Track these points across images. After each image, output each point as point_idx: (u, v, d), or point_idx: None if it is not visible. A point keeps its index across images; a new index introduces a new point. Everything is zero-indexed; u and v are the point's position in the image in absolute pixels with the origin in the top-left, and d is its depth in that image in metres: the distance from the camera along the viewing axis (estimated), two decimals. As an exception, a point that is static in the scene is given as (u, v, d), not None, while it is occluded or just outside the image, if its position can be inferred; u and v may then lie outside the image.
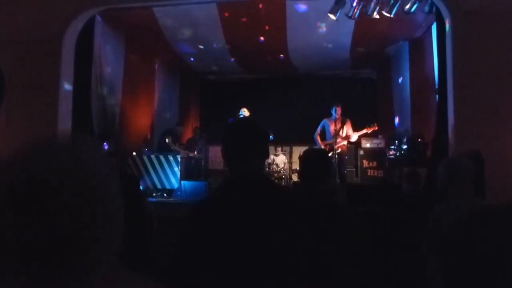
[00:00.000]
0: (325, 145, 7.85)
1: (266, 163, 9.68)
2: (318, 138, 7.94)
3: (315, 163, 2.53)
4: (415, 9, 6.36)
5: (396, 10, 6.37)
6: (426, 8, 6.42)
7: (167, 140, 8.70)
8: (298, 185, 3.81)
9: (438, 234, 2.44)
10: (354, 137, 7.93)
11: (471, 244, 0.93)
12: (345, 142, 7.91)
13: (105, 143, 7.07)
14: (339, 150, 7.78)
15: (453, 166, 2.63)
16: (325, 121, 8.00)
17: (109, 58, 8.12)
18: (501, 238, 0.77)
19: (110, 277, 0.80)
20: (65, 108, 6.50)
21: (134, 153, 8.24)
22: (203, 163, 9.49)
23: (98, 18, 7.26)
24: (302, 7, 7.36)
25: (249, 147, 1.74)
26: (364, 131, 7.96)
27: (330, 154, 7.68)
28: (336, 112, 7.78)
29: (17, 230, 0.71)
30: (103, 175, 0.79)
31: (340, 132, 7.82)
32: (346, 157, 8.09)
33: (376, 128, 8.00)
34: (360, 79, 11.15)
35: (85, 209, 0.74)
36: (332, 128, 7.85)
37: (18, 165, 0.76)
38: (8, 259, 0.73)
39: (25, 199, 0.72)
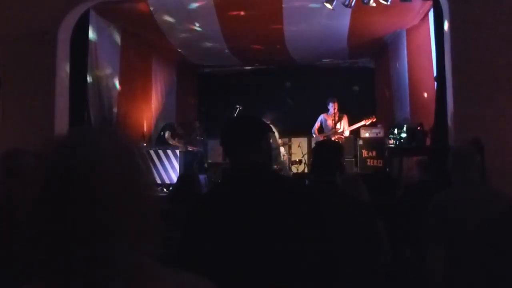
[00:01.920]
0: (323, 137, 7.90)
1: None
2: (316, 132, 8.03)
3: (328, 155, 2.51)
4: (412, -4, 6.31)
5: (393, -2, 6.31)
6: (423, -5, 6.37)
7: (166, 135, 8.68)
8: (311, 177, 3.79)
9: (446, 222, 2.46)
10: (346, 132, 8.01)
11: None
12: (342, 136, 8.00)
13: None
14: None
15: (459, 153, 2.68)
16: (322, 116, 8.12)
17: (105, 52, 8.05)
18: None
19: (144, 273, 0.78)
20: (62, 103, 6.46)
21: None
22: (201, 157, 9.47)
23: (93, 12, 7.20)
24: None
25: (248, 139, 1.74)
26: (363, 123, 8.00)
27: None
28: (332, 107, 7.91)
29: (53, 218, 0.72)
30: (140, 169, 0.80)
31: (338, 126, 7.89)
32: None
33: (375, 119, 8.03)
34: (358, 68, 11.11)
35: (122, 202, 0.75)
36: (329, 122, 7.95)
37: (58, 155, 0.76)
38: (42, 247, 0.73)
39: (63, 189, 0.72)
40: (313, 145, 8.08)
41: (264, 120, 1.93)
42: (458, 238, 2.43)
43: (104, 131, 0.82)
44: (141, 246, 0.77)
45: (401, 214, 3.52)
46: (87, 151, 0.75)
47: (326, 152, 2.55)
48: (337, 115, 7.91)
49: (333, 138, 7.84)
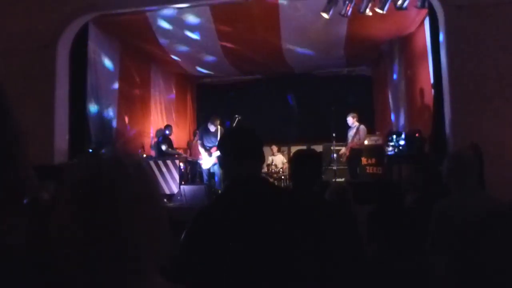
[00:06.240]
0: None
1: (264, 166, 9.70)
2: None
3: (305, 165, 2.49)
4: (407, 4, 6.37)
5: (388, 7, 6.38)
6: (419, 4, 6.43)
7: (163, 147, 8.70)
8: (290, 187, 3.78)
9: (449, 230, 2.43)
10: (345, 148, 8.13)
11: (492, 243, 0.94)
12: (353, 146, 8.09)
13: (102, 151, 7.05)
14: (341, 151, 8.16)
15: (458, 159, 2.62)
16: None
17: (104, 65, 8.11)
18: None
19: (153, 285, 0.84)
20: (61, 116, 6.49)
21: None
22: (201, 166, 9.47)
23: (92, 25, 7.26)
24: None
25: (245, 151, 1.77)
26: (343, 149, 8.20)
27: (341, 152, 8.12)
28: (351, 121, 8.06)
29: (78, 224, 0.78)
30: (154, 185, 0.90)
31: (354, 138, 8.03)
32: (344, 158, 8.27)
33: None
34: (356, 76, 11.17)
35: (141, 213, 0.82)
36: (349, 134, 8.13)
37: (85, 167, 0.85)
38: (68, 251, 0.79)
39: (88, 197, 0.79)
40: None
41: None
42: (460, 246, 2.40)
43: (121, 153, 0.91)
44: (154, 253, 0.84)
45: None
46: (110, 169, 0.83)
47: (304, 162, 2.53)
48: (355, 127, 8.10)
49: (342, 148, 8.12)
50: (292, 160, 2.63)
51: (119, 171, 0.83)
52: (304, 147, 10.42)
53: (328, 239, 2.07)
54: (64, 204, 0.81)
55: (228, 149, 1.82)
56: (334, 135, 8.34)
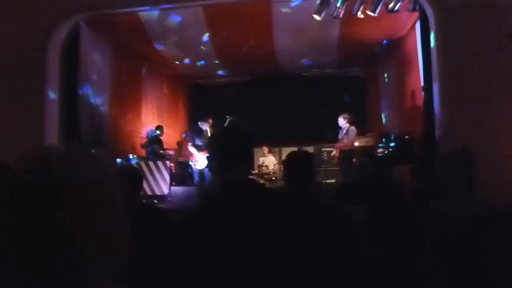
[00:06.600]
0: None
1: (255, 165, 9.70)
2: None
3: (299, 166, 2.49)
4: (399, 7, 6.42)
5: (380, 9, 6.43)
6: (410, 7, 6.48)
7: (154, 148, 8.68)
8: (284, 188, 3.77)
9: (446, 230, 2.45)
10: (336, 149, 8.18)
11: (476, 246, 0.94)
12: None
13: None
14: (333, 153, 8.18)
15: (448, 161, 2.65)
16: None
17: (95, 65, 8.06)
18: (504, 241, 0.78)
19: None
20: (52, 117, 6.43)
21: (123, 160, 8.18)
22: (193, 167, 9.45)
23: (83, 25, 7.20)
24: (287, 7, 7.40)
25: (236, 151, 1.76)
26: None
27: (332, 154, 8.18)
28: (341, 122, 8.06)
29: (20, 231, 0.70)
30: (110, 185, 0.78)
31: (343, 139, 8.07)
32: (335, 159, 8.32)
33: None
34: (348, 78, 11.22)
35: (89, 217, 0.73)
36: (340, 135, 8.15)
37: (25, 168, 0.76)
38: (9, 259, 0.70)
39: (31, 202, 0.71)
40: None
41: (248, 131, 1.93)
42: (456, 247, 2.42)
43: (77, 149, 0.82)
44: (107, 261, 0.76)
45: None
46: (60, 168, 0.75)
47: (297, 162, 2.53)
48: (345, 127, 8.11)
49: (333, 149, 8.18)
50: (285, 162, 2.65)
51: (71, 170, 0.74)
52: (296, 149, 10.44)
53: (325, 240, 2.08)
54: (5, 204, 0.72)
55: (219, 149, 1.81)
56: (325, 136, 8.36)
